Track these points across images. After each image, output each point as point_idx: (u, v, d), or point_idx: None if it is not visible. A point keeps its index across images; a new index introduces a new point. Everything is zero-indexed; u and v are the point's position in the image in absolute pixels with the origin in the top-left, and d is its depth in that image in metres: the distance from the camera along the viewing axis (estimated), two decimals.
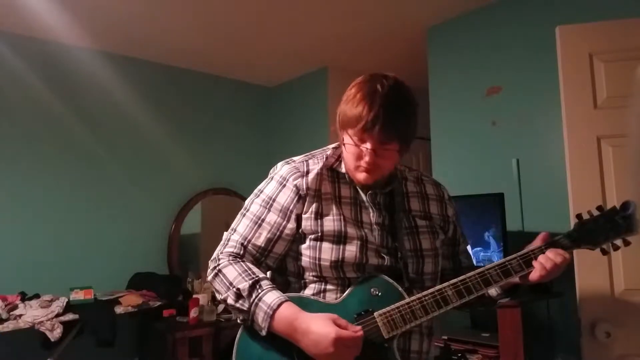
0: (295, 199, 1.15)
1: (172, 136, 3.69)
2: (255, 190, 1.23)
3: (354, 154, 1.11)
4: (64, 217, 3.16)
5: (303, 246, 1.14)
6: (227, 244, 1.17)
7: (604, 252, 1.15)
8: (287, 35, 3.22)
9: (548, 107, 2.39)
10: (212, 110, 3.96)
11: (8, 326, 2.39)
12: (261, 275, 1.10)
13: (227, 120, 4.05)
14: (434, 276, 1.18)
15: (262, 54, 3.55)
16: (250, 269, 1.10)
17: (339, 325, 0.99)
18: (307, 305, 1.06)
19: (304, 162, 1.21)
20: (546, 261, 1.06)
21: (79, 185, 3.24)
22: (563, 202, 1.72)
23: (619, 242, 1.13)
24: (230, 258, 1.13)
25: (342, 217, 1.13)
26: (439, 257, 1.21)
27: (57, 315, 2.54)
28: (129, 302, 2.84)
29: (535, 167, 2.47)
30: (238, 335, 1.11)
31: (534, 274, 1.07)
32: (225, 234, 1.20)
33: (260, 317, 1.03)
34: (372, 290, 1.08)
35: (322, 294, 1.11)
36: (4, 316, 2.43)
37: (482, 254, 2.30)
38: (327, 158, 1.21)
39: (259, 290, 1.06)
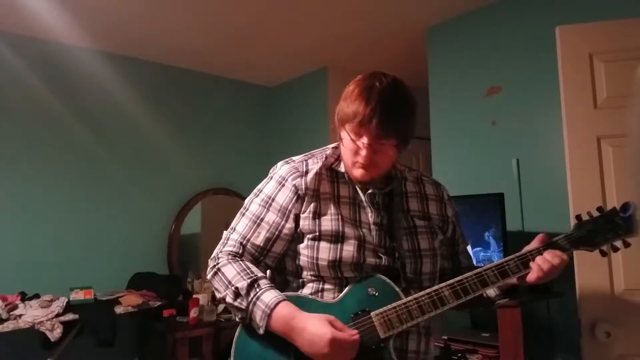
0: (294, 198, 1.15)
1: (172, 136, 3.69)
2: (255, 190, 1.23)
3: (351, 149, 1.12)
4: (64, 217, 3.16)
5: (301, 246, 1.15)
6: (226, 243, 1.18)
7: (603, 254, 1.15)
8: (287, 35, 3.22)
9: (548, 107, 2.39)
10: (212, 110, 3.96)
11: (8, 326, 2.39)
12: (260, 274, 1.11)
13: (227, 120, 4.05)
14: (432, 276, 1.18)
15: (262, 54, 3.55)
16: (248, 268, 1.11)
17: (335, 327, 1.00)
18: (304, 304, 1.06)
19: (304, 161, 1.21)
20: (543, 262, 1.06)
21: (79, 185, 3.24)
22: (563, 202, 1.72)
23: (618, 243, 1.12)
24: (230, 257, 1.14)
25: (340, 216, 1.14)
26: (438, 257, 1.21)
27: (57, 315, 2.54)
28: (129, 302, 2.84)
29: (535, 167, 2.47)
30: (237, 333, 1.13)
31: (531, 275, 1.07)
32: (225, 232, 1.21)
33: (258, 315, 1.04)
34: (369, 290, 1.08)
35: (320, 293, 1.12)
36: (4, 316, 2.43)
37: (482, 254, 2.30)
38: (326, 158, 1.21)
39: (257, 289, 1.07)
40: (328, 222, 1.13)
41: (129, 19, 2.94)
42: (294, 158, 1.24)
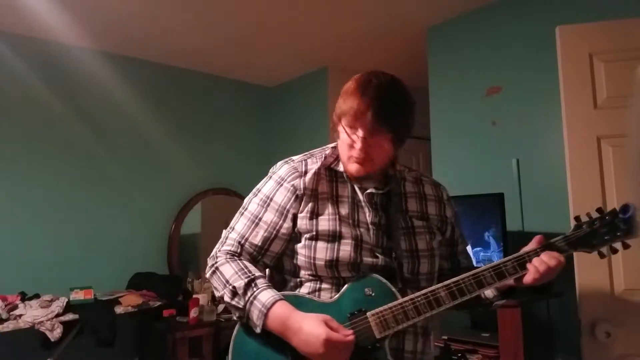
0: (292, 198, 1.16)
1: (172, 136, 3.69)
2: (254, 190, 1.24)
3: (347, 143, 1.13)
4: (64, 217, 3.16)
5: (299, 245, 1.15)
6: (225, 242, 1.19)
7: (602, 256, 1.14)
8: (287, 35, 3.22)
9: (548, 107, 2.39)
10: (212, 110, 3.96)
11: (8, 326, 2.39)
12: (257, 273, 1.11)
13: (227, 120, 4.05)
14: (430, 277, 1.19)
15: (262, 54, 3.55)
16: (246, 267, 1.12)
17: (331, 327, 1.00)
18: (302, 303, 1.07)
19: (303, 161, 1.22)
20: (540, 264, 1.06)
21: (79, 185, 3.24)
22: (563, 202, 1.72)
23: (618, 245, 1.12)
24: (228, 256, 1.16)
25: (337, 216, 1.14)
26: (436, 257, 1.21)
27: (57, 315, 2.54)
28: (129, 302, 2.84)
29: (535, 167, 2.47)
30: (235, 332, 1.14)
31: (528, 277, 1.07)
32: (224, 232, 1.23)
33: (254, 315, 1.06)
34: (366, 290, 1.09)
35: (317, 293, 1.12)
36: (4, 316, 2.43)
37: (482, 254, 2.30)
38: (325, 157, 1.22)
39: (254, 289, 1.08)
40: (325, 222, 1.14)
41: (129, 19, 2.94)
42: (294, 158, 1.24)
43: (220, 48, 3.45)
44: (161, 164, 3.62)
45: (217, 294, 1.14)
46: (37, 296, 2.72)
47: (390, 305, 1.06)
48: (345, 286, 1.10)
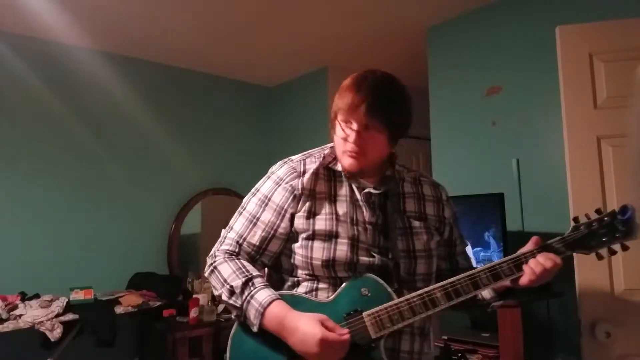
0: (290, 198, 1.17)
1: (172, 136, 3.69)
2: (253, 189, 1.25)
3: (341, 137, 1.14)
4: (64, 217, 3.16)
5: (296, 245, 1.16)
6: (223, 242, 1.21)
7: (600, 257, 1.13)
8: (287, 35, 3.22)
9: (548, 107, 2.39)
10: (212, 110, 3.96)
11: (8, 326, 2.39)
12: (254, 272, 1.12)
13: (227, 120, 4.05)
14: (427, 277, 1.19)
15: (262, 54, 3.55)
16: (244, 266, 1.13)
17: (326, 327, 1.01)
18: (299, 303, 1.08)
19: (301, 161, 1.23)
20: (536, 265, 1.06)
21: (79, 185, 3.24)
22: (563, 202, 1.72)
23: (617, 246, 1.11)
24: (226, 255, 1.17)
25: (334, 216, 1.15)
26: (433, 258, 1.21)
27: (57, 315, 2.54)
28: (129, 302, 2.84)
29: (535, 167, 2.47)
30: (233, 330, 1.15)
31: (524, 279, 1.07)
32: (223, 231, 1.24)
33: (251, 314, 1.07)
34: (362, 290, 1.09)
35: (314, 292, 1.13)
36: (4, 316, 2.43)
37: (482, 254, 2.30)
38: (324, 157, 1.22)
39: (252, 288, 1.09)
40: (322, 222, 1.14)
41: (129, 19, 2.94)
42: (292, 158, 1.25)
43: (220, 48, 3.45)
44: (161, 164, 3.62)
45: (215, 293, 1.16)
46: (37, 296, 2.72)
47: (386, 305, 1.06)
48: (342, 286, 1.11)
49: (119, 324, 2.74)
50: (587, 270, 1.61)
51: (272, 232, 1.17)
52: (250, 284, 1.09)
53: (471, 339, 2.21)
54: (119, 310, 2.78)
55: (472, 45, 2.83)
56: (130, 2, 2.71)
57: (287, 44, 3.37)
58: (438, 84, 3.02)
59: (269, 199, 1.19)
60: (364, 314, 1.06)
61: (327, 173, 1.21)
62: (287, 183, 1.18)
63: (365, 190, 1.17)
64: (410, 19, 2.97)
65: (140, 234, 3.47)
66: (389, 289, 1.09)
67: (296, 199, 1.17)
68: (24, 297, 2.69)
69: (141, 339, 3.27)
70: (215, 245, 1.21)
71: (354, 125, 1.11)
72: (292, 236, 1.17)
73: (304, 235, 1.14)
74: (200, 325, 2.95)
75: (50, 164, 3.14)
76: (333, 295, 1.11)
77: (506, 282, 1.11)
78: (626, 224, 1.08)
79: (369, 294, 1.08)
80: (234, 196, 3.84)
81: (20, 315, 2.48)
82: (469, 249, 2.23)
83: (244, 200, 1.25)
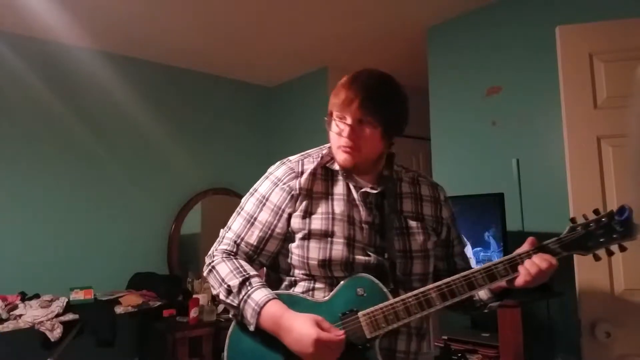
0: (288, 198, 1.18)
1: (172, 136, 3.69)
2: (251, 189, 1.26)
3: (335, 132, 1.16)
4: (64, 217, 3.16)
5: (293, 245, 1.17)
6: (222, 242, 1.22)
7: (597, 258, 1.12)
8: (287, 35, 3.22)
9: (548, 107, 2.39)
10: (212, 110, 3.96)
11: (8, 326, 2.39)
12: (252, 272, 1.13)
13: (227, 120, 4.05)
14: (423, 277, 1.19)
15: (262, 54, 3.55)
16: (241, 266, 1.14)
17: (322, 328, 1.02)
18: (295, 302, 1.09)
19: (299, 161, 1.24)
20: (531, 266, 1.06)
21: (79, 185, 3.24)
22: (563, 202, 1.72)
23: (615, 247, 1.10)
24: (224, 255, 1.18)
25: (330, 215, 1.15)
26: (430, 258, 1.21)
27: (57, 315, 2.54)
28: (129, 302, 2.84)
29: (535, 167, 2.47)
30: (230, 329, 1.16)
31: (519, 280, 1.07)
32: (222, 231, 1.25)
33: (248, 313, 1.08)
34: (358, 290, 1.10)
35: (311, 292, 1.14)
36: (4, 316, 2.43)
37: (482, 254, 2.30)
38: (322, 157, 1.23)
39: (249, 288, 1.10)
40: (318, 221, 1.15)
41: (129, 19, 2.93)
42: (291, 158, 1.26)
43: (220, 48, 3.45)
44: (161, 164, 3.62)
45: (213, 292, 1.17)
46: (37, 296, 2.72)
47: (381, 305, 1.07)
48: (338, 286, 1.11)
49: (119, 324, 2.74)
50: (587, 271, 1.60)
51: (269, 232, 1.18)
52: (247, 283, 1.10)
53: (471, 339, 2.21)
54: (119, 310, 2.78)
55: (472, 45, 2.83)
56: (130, 2, 2.71)
57: (287, 44, 3.37)
58: (438, 84, 3.02)
59: (267, 199, 1.20)
60: (360, 313, 1.07)
61: (325, 172, 1.22)
62: (284, 183, 1.19)
63: (362, 190, 1.17)
64: (410, 19, 2.97)
65: (140, 234, 3.47)
66: (385, 289, 1.09)
67: (293, 199, 1.17)
68: (24, 297, 2.69)
69: (141, 339, 3.27)
70: (214, 245, 1.22)
71: (348, 120, 1.12)
72: (289, 236, 1.18)
73: (300, 235, 1.15)
74: (200, 325, 2.95)
75: (50, 164, 3.14)
76: (329, 295, 1.11)
77: (502, 283, 1.11)
78: (624, 224, 1.07)
79: (365, 294, 1.09)
80: (234, 196, 3.84)
81: (20, 315, 2.48)
82: (469, 249, 2.23)
83: (242, 200, 1.25)
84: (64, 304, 2.61)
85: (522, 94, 2.56)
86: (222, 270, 1.14)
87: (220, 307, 3.11)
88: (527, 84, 2.54)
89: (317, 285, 1.14)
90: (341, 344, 1.01)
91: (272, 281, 1.23)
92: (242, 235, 1.19)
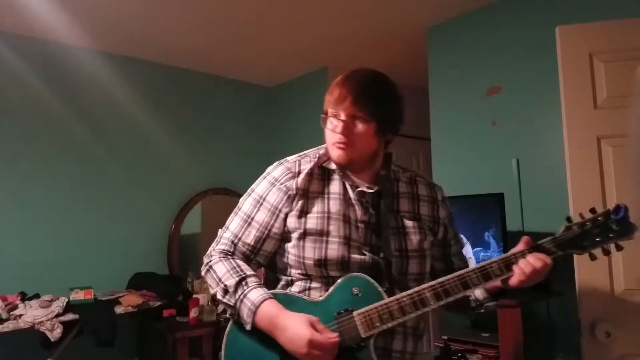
0: (285, 198, 1.18)
1: (172, 136, 3.69)
2: (249, 189, 1.27)
3: (330, 129, 1.18)
4: (64, 217, 3.16)
5: (289, 245, 1.17)
6: (219, 241, 1.23)
7: (593, 258, 1.11)
8: (287, 35, 3.22)
9: (548, 107, 2.39)
10: (212, 110, 3.96)
11: (8, 326, 2.39)
12: (248, 272, 1.14)
13: (227, 120, 4.05)
14: (419, 277, 1.19)
15: (262, 54, 3.55)
16: (238, 266, 1.15)
17: (316, 329, 1.02)
18: (291, 302, 1.10)
19: (297, 161, 1.24)
20: (526, 266, 1.06)
21: (79, 185, 3.24)
22: (563, 202, 1.72)
23: (611, 246, 1.09)
24: (222, 255, 1.19)
25: (326, 214, 1.16)
26: (427, 258, 1.21)
27: (57, 315, 2.54)
28: (129, 302, 2.84)
29: (535, 167, 2.47)
30: (228, 328, 1.17)
31: (514, 279, 1.07)
32: (220, 231, 1.26)
33: (245, 312, 1.09)
34: (353, 289, 1.10)
35: (307, 292, 1.14)
36: (4, 316, 2.43)
37: (482, 254, 2.30)
38: (319, 157, 1.24)
39: (245, 287, 1.11)
40: (314, 220, 1.15)
41: (129, 19, 2.94)
42: (288, 158, 1.27)
43: (220, 48, 3.45)
44: (161, 164, 3.62)
45: (211, 292, 1.19)
46: (37, 296, 2.72)
47: (376, 304, 1.07)
48: (334, 285, 1.12)
49: (119, 324, 2.74)
50: (587, 270, 1.61)
51: (266, 232, 1.18)
52: (243, 283, 1.11)
53: (471, 339, 2.21)
54: (119, 310, 2.78)
55: (472, 45, 2.83)
56: (130, 2, 2.71)
57: (287, 44, 3.37)
58: (438, 84, 3.02)
59: (264, 199, 1.21)
60: (355, 313, 1.07)
61: (321, 172, 1.22)
62: (282, 184, 1.20)
63: (359, 189, 1.18)
64: (410, 19, 2.97)
65: (140, 234, 3.47)
66: (380, 289, 1.10)
67: (290, 199, 1.18)
68: (24, 297, 2.69)
69: (141, 339, 3.27)
70: (212, 245, 1.24)
71: (342, 116, 1.14)
72: (285, 236, 1.18)
73: (295, 234, 1.15)
74: (200, 325, 2.95)
75: (50, 164, 3.14)
76: (325, 295, 1.12)
77: (497, 282, 1.11)
78: (620, 223, 1.07)
79: (360, 294, 1.09)
80: (234, 196, 3.84)
81: (20, 315, 2.48)
82: (468, 249, 2.23)
83: (240, 200, 1.27)
84: (64, 304, 2.61)
85: (522, 94, 2.56)
86: (219, 270, 1.15)
87: (220, 307, 3.11)
88: (527, 84, 2.54)
89: (314, 284, 1.14)
90: (334, 347, 1.02)
91: (270, 281, 1.23)
92: (239, 235, 1.20)
